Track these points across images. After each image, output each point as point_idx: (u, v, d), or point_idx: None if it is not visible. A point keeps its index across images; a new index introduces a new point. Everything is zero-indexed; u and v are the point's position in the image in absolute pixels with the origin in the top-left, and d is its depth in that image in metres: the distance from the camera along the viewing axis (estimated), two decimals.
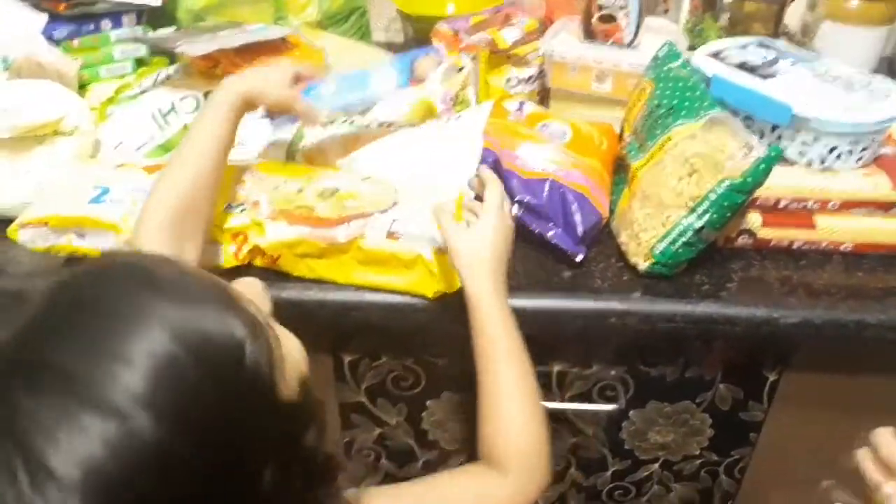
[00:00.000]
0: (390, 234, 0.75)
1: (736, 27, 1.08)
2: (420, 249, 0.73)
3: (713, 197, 0.72)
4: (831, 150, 0.79)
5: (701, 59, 0.88)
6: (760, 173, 0.71)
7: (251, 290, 0.49)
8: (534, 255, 0.81)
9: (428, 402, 0.88)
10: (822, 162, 0.80)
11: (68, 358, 0.36)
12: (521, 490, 0.65)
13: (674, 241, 0.75)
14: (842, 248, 0.81)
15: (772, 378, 0.83)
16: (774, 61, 0.86)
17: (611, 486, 0.95)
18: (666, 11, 1.14)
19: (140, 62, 1.06)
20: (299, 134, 0.92)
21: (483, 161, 0.80)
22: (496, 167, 0.79)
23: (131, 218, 0.77)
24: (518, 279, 0.78)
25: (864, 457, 0.61)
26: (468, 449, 0.92)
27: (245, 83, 0.76)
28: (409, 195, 0.80)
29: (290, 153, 0.90)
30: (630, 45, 0.96)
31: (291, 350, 0.47)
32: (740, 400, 0.86)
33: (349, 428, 0.91)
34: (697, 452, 0.91)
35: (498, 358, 0.67)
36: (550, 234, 0.79)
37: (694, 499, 0.96)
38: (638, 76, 0.92)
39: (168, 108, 0.92)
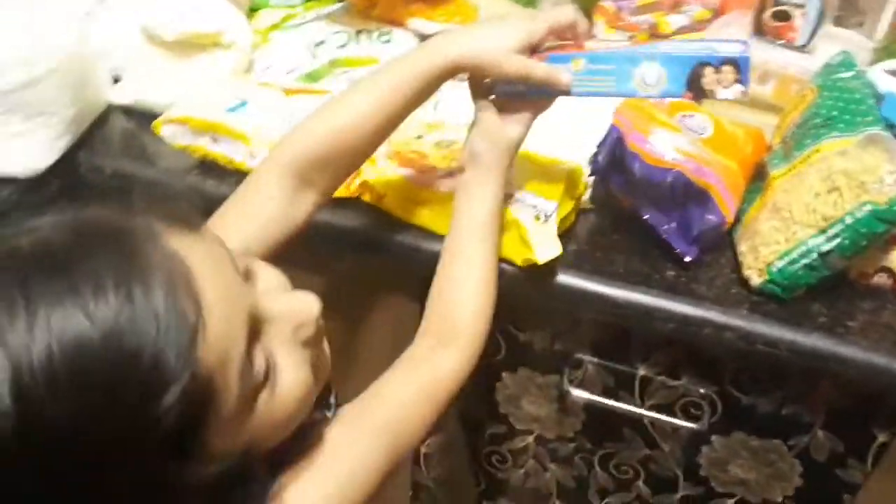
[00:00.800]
0: None
1: None
2: (518, 214, 0.72)
3: (849, 220, 0.65)
4: None
5: (878, 74, 0.79)
6: None
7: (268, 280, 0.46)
8: (640, 247, 0.77)
9: (503, 374, 0.87)
10: None
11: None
12: (469, 361, 0.63)
13: (794, 261, 0.68)
14: None
15: (881, 439, 0.74)
16: None
17: None
18: (860, 24, 1.03)
19: None
20: None
21: (607, 137, 0.76)
22: (619, 146, 0.75)
23: (261, 131, 0.82)
24: (616, 267, 0.74)
25: None
26: (537, 429, 0.89)
27: (458, 47, 0.63)
28: (523, 159, 0.78)
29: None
30: (803, 48, 0.87)
31: (281, 397, 0.43)
32: (839, 454, 0.77)
33: None
34: (780, 500, 0.83)
35: (483, 234, 0.65)
36: (664, 228, 0.74)
37: None
38: (803, 83, 0.84)
39: (320, 41, 0.95)
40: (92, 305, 0.36)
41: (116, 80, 0.95)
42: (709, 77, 0.63)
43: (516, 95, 0.67)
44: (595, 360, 0.81)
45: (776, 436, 0.79)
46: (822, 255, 0.67)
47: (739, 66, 0.62)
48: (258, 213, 0.63)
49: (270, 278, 0.48)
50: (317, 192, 0.65)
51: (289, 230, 0.64)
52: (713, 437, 0.81)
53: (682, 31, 0.96)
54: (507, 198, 0.70)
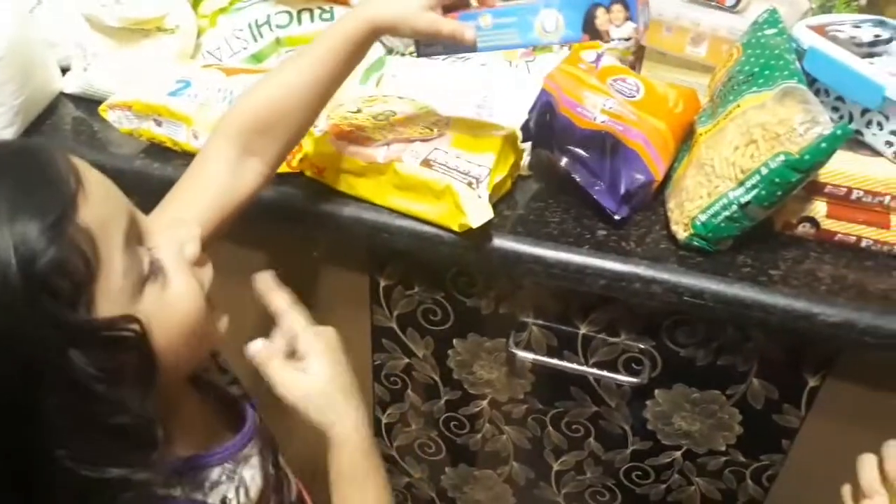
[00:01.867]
0: (426, 162, 0.75)
1: (874, 8, 0.98)
2: (451, 180, 0.73)
3: (764, 171, 0.67)
4: None
5: (801, 30, 0.80)
6: (821, 152, 0.64)
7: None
8: (574, 210, 0.79)
9: (454, 341, 0.89)
10: None
11: None
12: None
13: (716, 214, 0.70)
14: None
15: (812, 383, 0.77)
16: (886, 41, 0.78)
17: (629, 464, 0.91)
18: None
19: None
20: (379, 60, 0.94)
21: (537, 102, 0.78)
22: (549, 110, 0.77)
23: (203, 112, 0.83)
24: (550, 229, 0.76)
25: (865, 463, 0.57)
26: (490, 394, 0.92)
27: (375, 9, 0.66)
28: (459, 127, 0.80)
29: (366, 76, 0.92)
30: (734, 8, 0.89)
31: (170, 297, 0.49)
32: (775, 401, 0.79)
33: (379, 352, 0.94)
34: (723, 449, 0.86)
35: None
36: (595, 189, 0.76)
37: (716, 498, 0.90)
38: (734, 43, 0.85)
39: (263, 21, 0.97)
40: None
41: (65, 70, 0.97)
42: (601, 18, 0.67)
43: (435, 53, 0.71)
44: (538, 321, 0.83)
45: (715, 386, 0.81)
46: (742, 207, 0.69)
47: (627, 4, 0.65)
48: (206, 185, 0.66)
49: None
50: (260, 161, 0.67)
51: (236, 201, 0.66)
52: (656, 391, 0.84)
53: None
54: None
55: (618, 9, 0.66)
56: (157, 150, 0.86)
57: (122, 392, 0.44)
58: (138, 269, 0.47)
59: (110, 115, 0.86)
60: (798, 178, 0.66)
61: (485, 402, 0.93)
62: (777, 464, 0.85)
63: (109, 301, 0.44)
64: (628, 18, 0.67)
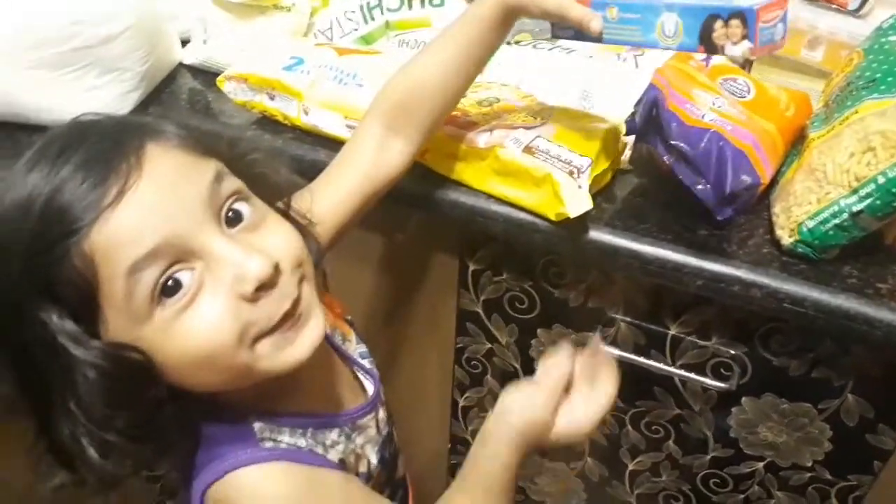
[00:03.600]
0: (528, 149, 0.76)
1: None
2: (551, 169, 0.74)
3: (882, 180, 0.65)
4: None
5: None
6: None
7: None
8: (675, 207, 0.78)
9: (539, 331, 0.89)
10: None
11: None
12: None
13: (825, 221, 0.68)
14: None
15: None
16: None
17: (708, 471, 0.90)
18: None
19: None
20: None
21: (644, 96, 0.78)
22: (657, 106, 0.77)
23: (314, 89, 0.86)
24: (649, 225, 0.76)
25: None
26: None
27: None
28: (562, 117, 0.80)
29: None
30: (856, 12, 0.86)
31: (185, 323, 0.48)
32: (870, 419, 0.77)
33: (463, 335, 0.95)
34: (809, 464, 0.83)
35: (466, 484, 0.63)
36: (698, 187, 0.75)
37: None
38: (853, 48, 0.83)
39: (375, 4, 0.99)
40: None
41: (185, 43, 1.02)
42: (718, 31, 0.63)
43: (567, 36, 0.70)
44: (627, 318, 0.83)
45: (806, 399, 0.79)
46: (853, 215, 0.67)
47: (746, 19, 0.60)
48: (353, 162, 0.71)
49: (261, 238, 0.51)
50: (405, 141, 0.71)
51: (380, 181, 0.71)
52: (743, 399, 0.82)
53: None
54: None
55: (735, 24, 0.62)
56: (268, 123, 0.90)
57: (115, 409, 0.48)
58: (144, 293, 0.46)
59: (226, 87, 0.90)
60: None
61: None
62: (865, 485, 0.82)
63: (112, 318, 0.47)
64: (745, 37, 0.61)
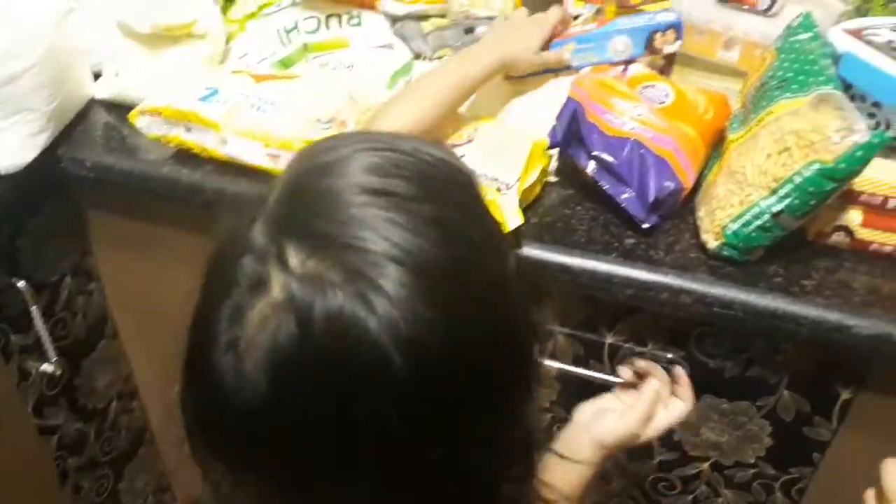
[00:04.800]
0: None
1: None
2: None
3: (798, 180, 0.65)
4: None
5: (837, 34, 0.78)
6: (856, 161, 0.63)
7: None
8: (603, 217, 0.78)
9: None
10: None
11: None
12: None
13: (748, 223, 0.69)
14: None
15: (845, 396, 0.75)
16: None
17: (655, 475, 0.90)
18: None
19: None
20: (406, 66, 0.94)
21: (563, 109, 0.78)
22: (576, 118, 0.77)
23: (231, 118, 0.84)
24: (578, 237, 0.76)
25: (890, 467, 0.56)
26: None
27: (509, 49, 0.81)
28: (488, 133, 0.79)
29: (393, 80, 0.92)
30: (767, 12, 0.87)
31: None
32: (806, 413, 0.78)
33: None
34: (752, 461, 0.84)
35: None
36: (623, 196, 0.75)
37: None
38: (767, 48, 0.84)
39: (292, 26, 0.97)
40: None
41: (97, 76, 0.98)
42: (658, 39, 0.85)
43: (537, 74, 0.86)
44: (564, 330, 0.83)
45: (744, 397, 0.80)
46: (774, 216, 0.67)
47: (678, 29, 0.84)
48: None
49: None
50: None
51: None
52: None
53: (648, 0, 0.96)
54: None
55: (670, 32, 0.85)
56: (186, 157, 0.87)
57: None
58: None
59: (140, 122, 0.87)
60: (832, 188, 0.65)
61: None
62: (807, 477, 0.83)
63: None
64: (678, 38, 0.85)
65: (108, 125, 0.94)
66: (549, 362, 0.83)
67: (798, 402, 0.77)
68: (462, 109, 0.84)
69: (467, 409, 0.36)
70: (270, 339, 0.33)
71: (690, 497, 0.90)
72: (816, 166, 0.64)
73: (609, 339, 0.81)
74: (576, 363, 0.84)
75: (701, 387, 0.80)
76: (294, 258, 0.34)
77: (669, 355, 0.79)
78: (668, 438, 0.86)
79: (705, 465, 0.87)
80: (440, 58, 0.94)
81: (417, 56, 0.96)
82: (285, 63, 0.98)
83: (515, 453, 0.41)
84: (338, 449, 0.34)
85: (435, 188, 0.37)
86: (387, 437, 0.34)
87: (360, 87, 0.88)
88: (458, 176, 0.39)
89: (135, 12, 0.90)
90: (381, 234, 0.34)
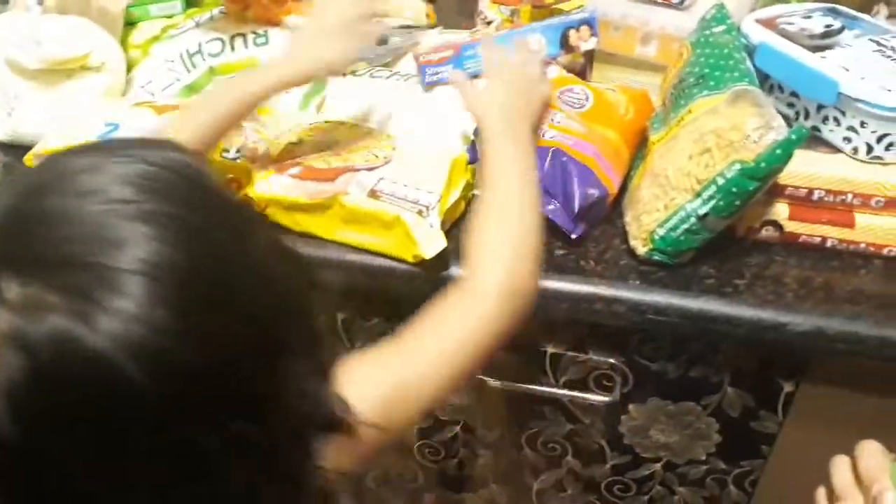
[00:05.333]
0: (372, 193, 0.72)
1: None
2: (399, 210, 0.70)
3: (721, 181, 0.64)
4: (881, 139, 0.68)
5: (750, 25, 0.78)
6: (777, 158, 0.62)
7: None
8: None
9: None
10: (870, 151, 0.69)
11: None
12: (505, 314, 0.58)
13: (675, 227, 0.67)
14: (885, 252, 0.70)
15: (787, 389, 0.75)
16: (837, 31, 0.75)
17: (610, 478, 0.89)
18: None
19: (190, 2, 1.07)
20: (319, 84, 0.90)
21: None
22: None
23: None
24: None
25: (838, 465, 0.55)
26: (463, 419, 0.89)
27: (539, 110, 0.69)
28: (405, 153, 0.77)
29: (306, 101, 0.88)
30: (680, 5, 0.86)
31: None
32: (751, 409, 0.77)
33: None
34: (704, 457, 0.84)
35: (496, 180, 0.63)
36: (549, 208, 0.73)
37: None
38: (682, 41, 0.83)
39: (195, 50, 0.92)
40: None
41: None
42: (573, 37, 0.78)
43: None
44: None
45: (689, 398, 0.79)
46: (700, 219, 0.66)
47: (591, 24, 0.78)
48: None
49: None
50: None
51: None
52: (630, 406, 0.81)
53: None
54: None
55: (584, 28, 0.78)
56: None
57: None
58: None
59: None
60: (756, 187, 0.63)
61: (458, 428, 0.90)
62: (758, 469, 0.83)
63: None
64: (592, 35, 0.79)
65: (7, 166, 0.88)
66: (492, 381, 0.81)
67: (743, 398, 0.77)
68: (376, 125, 0.81)
69: (236, 402, 0.35)
70: (4, 377, 0.32)
71: (646, 497, 0.90)
72: (738, 167, 0.63)
73: (550, 349, 0.79)
74: (518, 377, 0.82)
75: (646, 391, 0.80)
76: (12, 290, 0.32)
77: (612, 360, 0.78)
78: (618, 442, 0.85)
79: (657, 466, 0.86)
80: (354, 72, 0.91)
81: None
82: (191, 89, 0.93)
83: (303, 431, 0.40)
84: (105, 472, 0.34)
85: (163, 190, 0.35)
86: (152, 450, 0.34)
87: (271, 111, 0.84)
88: (188, 173, 0.37)
89: (21, 47, 0.84)
90: (107, 246, 0.33)
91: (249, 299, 0.36)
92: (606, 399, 0.80)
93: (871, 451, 0.53)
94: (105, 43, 0.88)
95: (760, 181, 0.63)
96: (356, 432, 0.43)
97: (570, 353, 0.79)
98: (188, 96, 0.91)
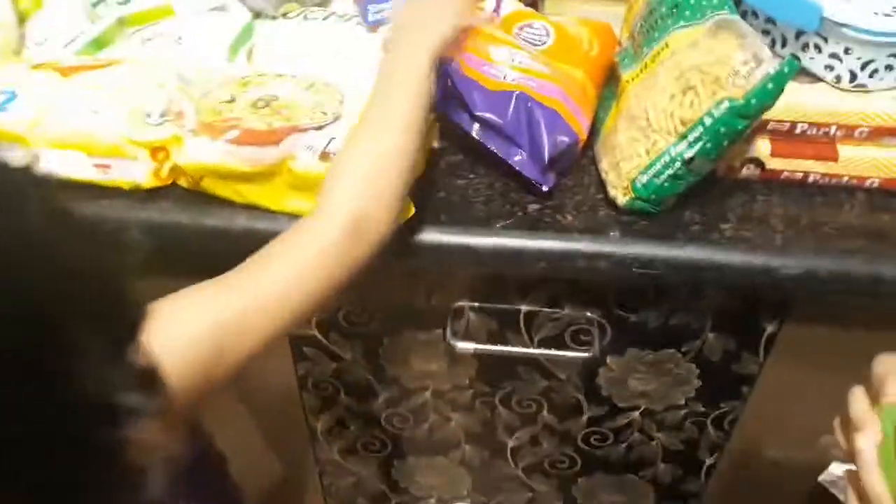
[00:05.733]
0: (324, 155, 0.64)
1: None
2: None
3: (708, 122, 0.59)
4: (865, 65, 0.65)
5: None
6: (768, 94, 0.57)
7: None
8: (500, 182, 0.70)
9: (384, 339, 0.80)
10: (854, 79, 0.66)
11: None
12: (353, 243, 0.54)
13: (659, 174, 0.63)
14: (867, 184, 0.68)
15: (770, 329, 0.73)
16: None
17: (587, 430, 0.87)
18: None
19: None
20: (246, 29, 0.80)
21: (440, 68, 0.68)
22: (451, 75, 0.67)
23: (40, 128, 0.68)
24: (476, 211, 0.67)
25: (855, 395, 0.53)
26: (431, 384, 0.84)
27: (442, 38, 0.60)
28: (357, 105, 0.68)
29: (233, 50, 0.78)
30: None
31: None
32: (732, 351, 0.75)
33: (303, 360, 0.84)
34: (682, 402, 0.82)
35: (373, 101, 0.59)
36: (516, 158, 0.67)
37: (678, 448, 0.87)
38: None
39: None
40: None
41: None
42: None
43: None
44: (475, 304, 0.75)
45: (669, 346, 0.76)
46: (686, 163, 0.61)
47: None
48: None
49: None
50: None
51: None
52: (608, 359, 0.78)
53: None
54: None
55: None
56: None
57: None
58: None
59: None
60: (745, 125, 0.59)
61: (427, 394, 0.86)
62: (737, 409, 0.81)
63: None
64: None
65: None
66: (463, 344, 0.77)
67: (724, 342, 0.75)
68: (323, 78, 0.72)
69: (20, 379, 0.32)
70: None
71: (623, 445, 0.88)
72: (726, 104, 0.58)
73: (524, 308, 0.75)
74: (491, 338, 0.77)
75: (624, 343, 0.76)
76: None
77: (588, 314, 0.74)
78: (596, 395, 0.82)
79: (636, 414, 0.84)
80: (285, 14, 0.81)
81: (257, 15, 0.82)
82: (98, 44, 0.81)
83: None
84: None
85: None
86: None
87: (193, 65, 0.74)
88: None
89: None
90: None
91: (23, 275, 0.33)
92: (584, 356, 0.76)
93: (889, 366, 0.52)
94: None
95: (751, 118, 0.59)
96: (167, 397, 0.40)
97: (545, 310, 0.75)
98: (95, 52, 0.80)
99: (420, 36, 0.60)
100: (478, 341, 0.77)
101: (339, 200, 0.54)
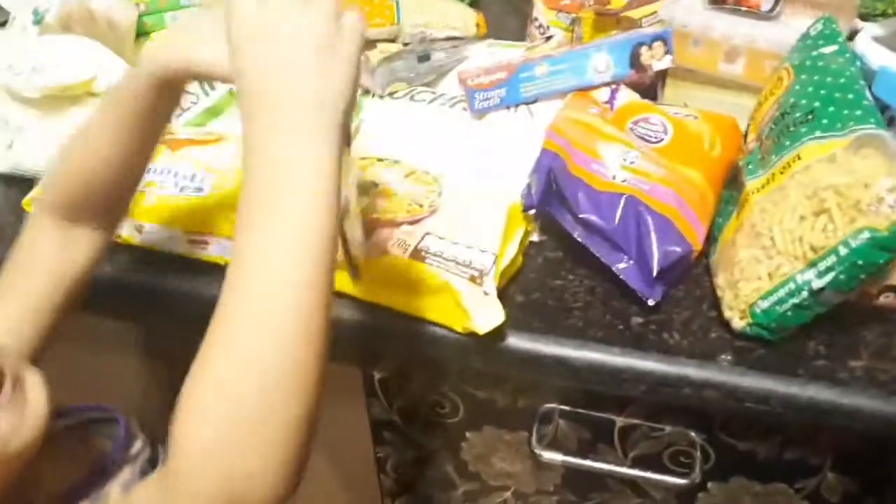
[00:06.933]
0: (416, 253, 0.62)
1: None
2: (448, 276, 0.60)
3: (844, 251, 0.53)
4: None
5: (866, 44, 0.65)
6: None
7: None
8: (601, 288, 0.65)
9: (467, 434, 0.76)
10: None
11: None
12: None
13: (782, 301, 0.56)
14: None
15: None
16: None
17: None
18: None
19: None
20: (356, 107, 0.80)
21: (538, 163, 0.64)
22: (555, 174, 0.63)
23: (146, 200, 0.70)
24: (574, 319, 0.63)
25: None
26: (513, 485, 0.79)
27: (170, 51, 0.49)
28: (453, 199, 0.66)
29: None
30: (770, 13, 0.74)
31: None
32: (854, 494, 0.66)
33: (382, 444, 0.81)
34: None
35: (236, 249, 0.39)
36: (620, 266, 0.62)
37: None
38: (778, 58, 0.70)
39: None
40: None
41: None
42: (645, 54, 0.73)
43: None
44: (566, 408, 0.70)
45: (781, 479, 0.68)
46: (814, 294, 0.55)
47: (666, 40, 0.73)
48: (33, 269, 0.58)
49: None
50: (89, 229, 0.58)
51: (71, 277, 0.58)
52: (709, 484, 0.71)
53: (632, 4, 0.82)
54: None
55: (658, 45, 0.73)
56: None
57: None
58: None
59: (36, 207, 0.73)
60: (888, 258, 0.52)
61: (508, 494, 0.81)
62: None
63: None
64: (667, 52, 0.73)
65: (11, 201, 0.79)
66: (549, 454, 0.71)
67: (845, 484, 0.66)
68: (420, 163, 0.70)
69: None
70: None
71: None
72: (866, 235, 0.51)
73: (620, 421, 0.69)
74: (581, 449, 0.72)
75: (729, 469, 0.69)
76: None
77: (692, 434, 0.68)
78: None
79: None
80: (392, 94, 0.80)
81: (366, 93, 0.81)
82: (213, 112, 0.82)
83: None
84: None
85: None
86: None
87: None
88: None
89: (18, 74, 0.75)
90: None
91: None
92: (683, 482, 0.69)
93: None
94: (112, 64, 0.78)
95: (894, 252, 0.52)
96: None
97: (643, 424, 0.69)
98: (206, 122, 0.81)
99: (314, 114, 0.40)
100: (566, 451, 0.72)
101: (195, 469, 0.37)
